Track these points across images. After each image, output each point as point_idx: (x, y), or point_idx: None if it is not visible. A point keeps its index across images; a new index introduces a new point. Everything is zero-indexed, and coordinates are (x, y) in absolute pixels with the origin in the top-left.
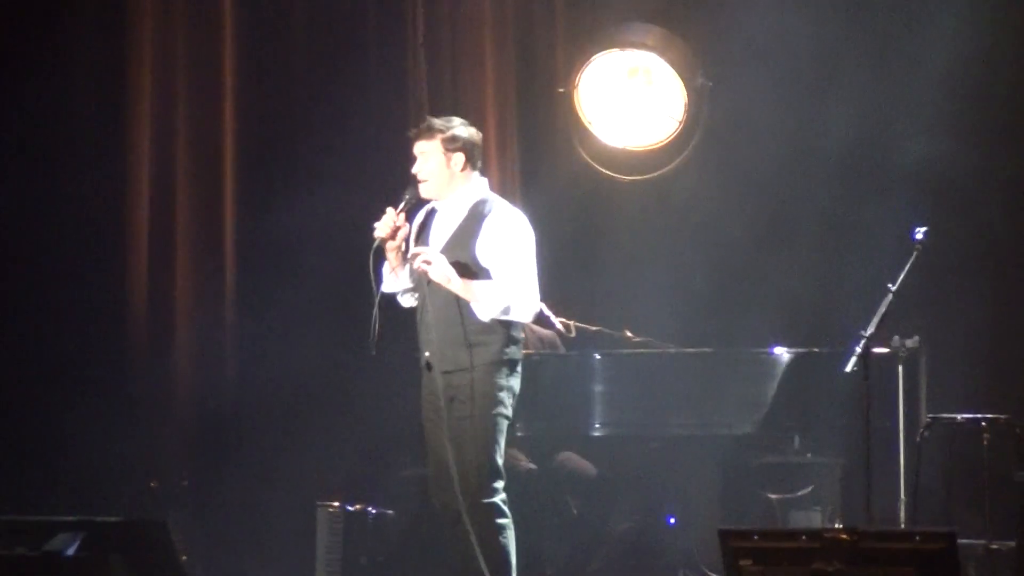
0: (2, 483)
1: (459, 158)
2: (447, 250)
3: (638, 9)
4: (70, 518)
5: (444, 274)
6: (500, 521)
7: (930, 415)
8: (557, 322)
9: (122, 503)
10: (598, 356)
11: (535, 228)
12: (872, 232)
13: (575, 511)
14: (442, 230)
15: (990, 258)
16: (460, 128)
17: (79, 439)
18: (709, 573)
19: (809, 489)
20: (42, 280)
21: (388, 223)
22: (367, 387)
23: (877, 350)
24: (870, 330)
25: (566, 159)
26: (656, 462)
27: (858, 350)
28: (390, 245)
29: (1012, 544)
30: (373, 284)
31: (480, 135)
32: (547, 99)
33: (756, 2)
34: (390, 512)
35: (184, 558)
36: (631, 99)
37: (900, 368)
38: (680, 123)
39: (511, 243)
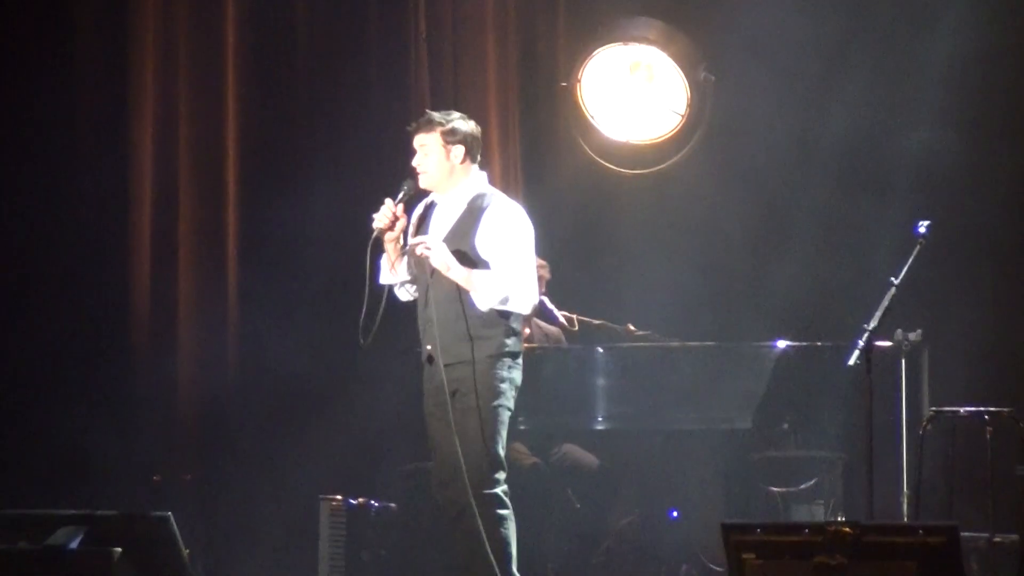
0: (5, 478)
1: (459, 150)
2: (447, 242)
3: (640, 3)
4: (73, 512)
5: (444, 261)
6: (501, 512)
7: (932, 408)
8: (560, 316)
9: (125, 497)
10: (600, 350)
11: (538, 222)
12: (873, 227)
13: (577, 505)
14: (441, 223)
15: (992, 252)
16: (459, 121)
17: (82, 434)
18: (712, 567)
19: (811, 483)
20: (44, 278)
21: (386, 214)
22: (369, 382)
23: (880, 343)
24: (873, 323)
25: (569, 153)
26: (658, 456)
27: (861, 343)
28: (388, 236)
29: (1015, 537)
30: (367, 274)
31: (479, 129)
32: (549, 93)
33: (761, 1)
34: (392, 506)
35: (187, 552)
36: (633, 93)
37: (903, 361)
38: (682, 117)
39: (510, 235)
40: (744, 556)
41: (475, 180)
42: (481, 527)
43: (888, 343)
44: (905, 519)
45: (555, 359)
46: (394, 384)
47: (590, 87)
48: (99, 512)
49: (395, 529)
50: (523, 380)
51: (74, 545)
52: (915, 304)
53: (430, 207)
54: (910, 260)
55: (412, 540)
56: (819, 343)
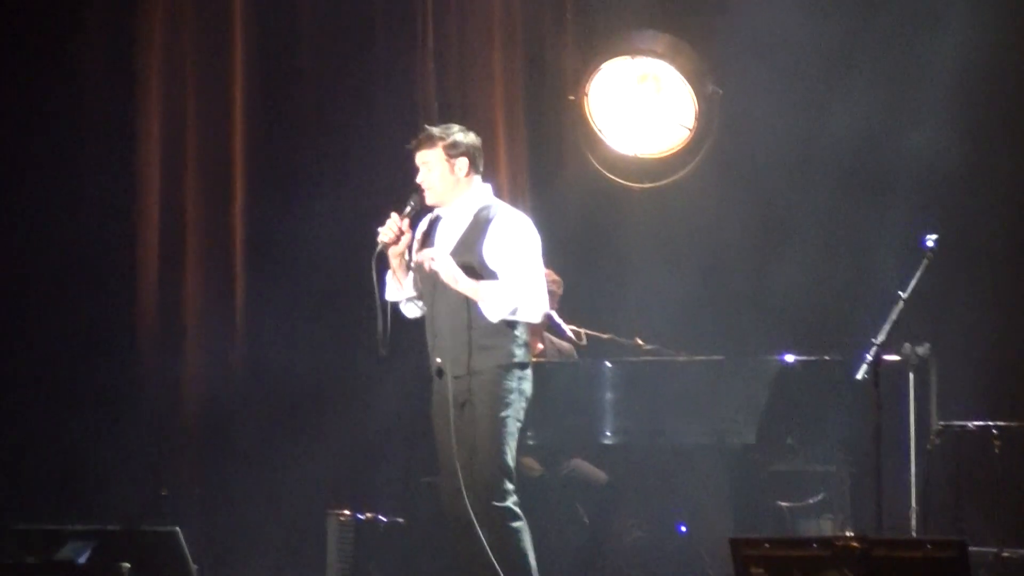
0: (13, 492)
1: (463, 163)
2: (454, 255)
3: (647, 16)
4: (81, 527)
5: (452, 274)
6: (514, 525)
7: (941, 422)
8: (568, 330)
9: (133, 512)
10: (609, 364)
11: (545, 235)
12: (880, 237)
13: (585, 519)
14: (448, 236)
15: (1000, 264)
16: (459, 134)
17: (89, 447)
18: None
19: (820, 497)
20: (51, 286)
21: (392, 228)
22: (377, 395)
23: (888, 357)
24: (881, 337)
25: (576, 167)
26: (666, 470)
27: (869, 357)
28: (393, 251)
29: (1023, 552)
30: (376, 288)
31: (479, 140)
32: (556, 106)
33: (765, 9)
34: (401, 520)
35: (195, 567)
36: (641, 106)
37: (911, 375)
38: (690, 130)
39: (517, 245)
40: (753, 571)
41: (480, 192)
42: (484, 541)
43: (896, 357)
44: (913, 534)
45: (563, 373)
46: (402, 396)
47: (597, 100)
48: (107, 527)
49: (403, 543)
50: (532, 394)
51: (82, 560)
52: (923, 317)
53: (435, 221)
54: (918, 274)
55: (421, 554)
56: (827, 357)
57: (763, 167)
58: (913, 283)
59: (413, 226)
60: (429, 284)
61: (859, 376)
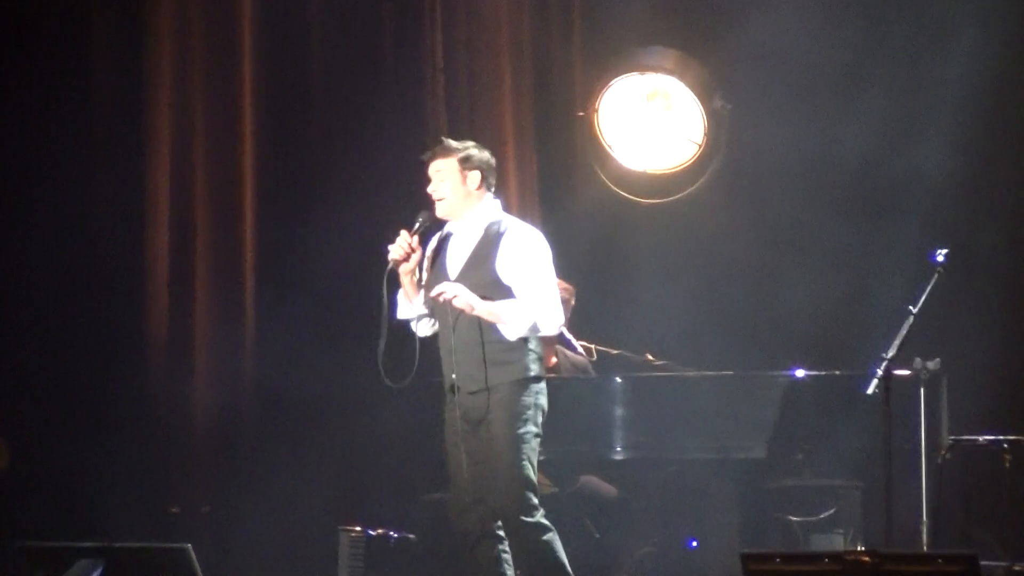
0: (23, 509)
1: (475, 176)
2: (466, 271)
3: (656, 33)
4: (91, 544)
5: (468, 302)
6: (546, 538)
7: (951, 437)
8: (578, 346)
9: (143, 529)
10: (619, 379)
11: (555, 251)
12: (890, 252)
13: (596, 534)
14: (459, 252)
15: (1010, 279)
16: (474, 149)
17: (99, 464)
18: None
19: (830, 512)
20: (60, 303)
21: (402, 245)
22: (389, 410)
23: (898, 372)
24: (891, 352)
25: (586, 183)
26: (677, 485)
27: (879, 372)
28: (404, 268)
29: None
30: (384, 308)
31: (493, 158)
32: (566, 123)
33: (774, 25)
34: (412, 536)
35: None
36: (650, 122)
37: (921, 390)
38: (700, 146)
39: (531, 259)
40: None
41: (490, 207)
42: (522, 557)
43: (907, 372)
44: (924, 548)
45: (573, 389)
46: (413, 413)
47: (607, 116)
48: (117, 544)
49: (414, 559)
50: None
51: None
52: (933, 332)
53: (445, 239)
54: (928, 288)
55: (431, 570)
56: (837, 372)
57: (772, 182)
58: (923, 298)
59: (423, 243)
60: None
61: (870, 391)
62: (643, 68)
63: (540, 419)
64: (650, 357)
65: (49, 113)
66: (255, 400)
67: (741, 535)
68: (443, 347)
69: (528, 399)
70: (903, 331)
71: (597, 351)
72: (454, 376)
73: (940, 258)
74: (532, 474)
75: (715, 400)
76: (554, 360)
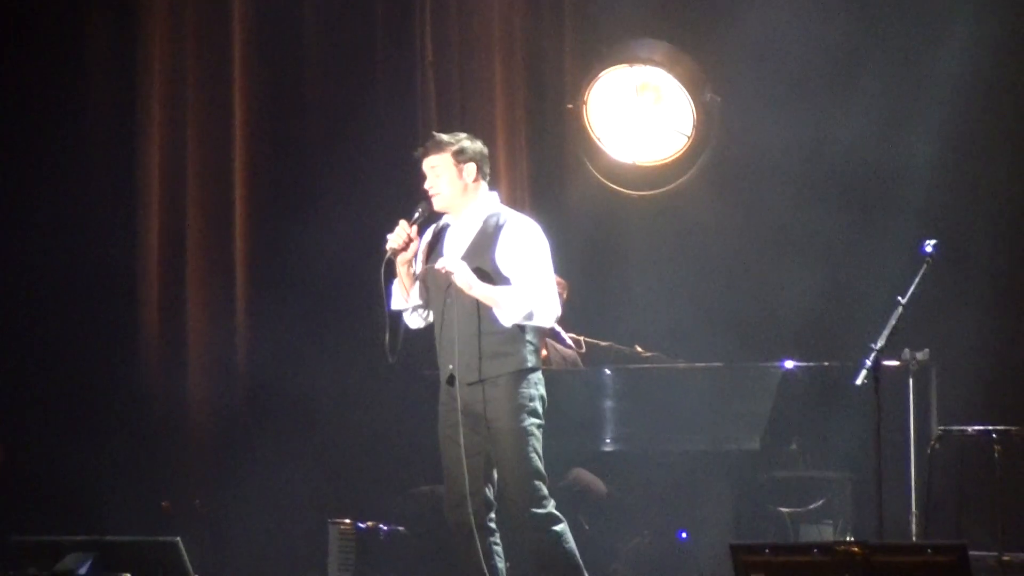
0: (14, 503)
1: (471, 168)
2: (465, 260)
3: (646, 25)
4: (82, 538)
5: (466, 280)
6: (557, 528)
7: (941, 427)
8: (567, 338)
9: (134, 523)
10: (608, 372)
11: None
12: (880, 245)
13: (587, 527)
14: (457, 244)
15: (999, 270)
16: (467, 141)
17: (90, 458)
18: None
19: (820, 503)
20: (53, 300)
21: (401, 235)
22: (379, 404)
23: (888, 363)
24: (880, 343)
25: (576, 175)
26: (667, 477)
27: (868, 363)
28: (401, 259)
29: None
30: (383, 294)
31: (485, 147)
32: (557, 115)
33: (764, 18)
34: (402, 529)
35: None
36: (640, 115)
37: (911, 381)
38: (689, 138)
39: (529, 250)
40: None
41: (487, 199)
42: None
43: (896, 363)
44: (914, 538)
45: (563, 381)
46: (404, 406)
47: (597, 109)
48: (108, 537)
49: (405, 552)
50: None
51: (83, 571)
52: (923, 323)
53: (442, 230)
54: (917, 279)
55: (422, 563)
56: (827, 363)
57: (762, 175)
58: (912, 289)
59: (420, 234)
60: (440, 291)
61: (859, 382)
62: (633, 60)
63: (542, 409)
64: (639, 349)
65: (42, 113)
66: (246, 395)
67: (731, 527)
68: (440, 338)
69: (529, 390)
70: (892, 322)
71: (586, 343)
72: (451, 367)
73: (929, 248)
74: (540, 464)
75: (705, 392)
76: (544, 352)
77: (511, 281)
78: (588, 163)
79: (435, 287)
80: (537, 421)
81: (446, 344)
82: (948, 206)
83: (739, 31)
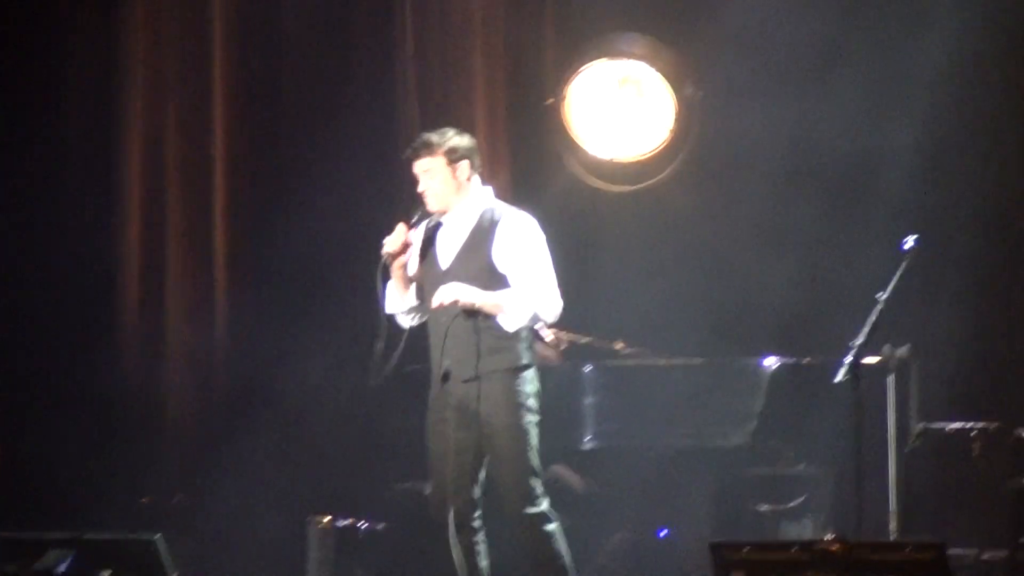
0: None
1: (464, 166)
2: (460, 259)
3: (627, 19)
4: (61, 535)
5: (470, 299)
6: (548, 528)
7: (921, 424)
8: (548, 334)
9: (113, 520)
10: (589, 367)
11: None
12: (861, 240)
13: (567, 524)
14: (452, 241)
15: (980, 267)
16: (456, 138)
17: (70, 455)
18: None
19: (800, 500)
20: (31, 295)
21: (399, 238)
22: (359, 400)
23: (868, 359)
24: (860, 339)
25: (557, 170)
26: (647, 474)
27: (849, 359)
28: (397, 261)
29: (1004, 553)
30: (381, 306)
31: (473, 140)
32: (538, 110)
33: (747, 12)
34: (381, 526)
35: (175, 575)
36: (622, 109)
37: (891, 377)
38: (670, 133)
39: (528, 247)
40: (733, 575)
41: (481, 194)
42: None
43: (876, 359)
44: (894, 535)
45: (543, 378)
46: (385, 402)
47: (578, 104)
48: (87, 535)
49: (385, 549)
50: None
51: (63, 568)
52: (903, 320)
53: (434, 228)
54: (897, 276)
55: (401, 561)
56: (807, 359)
57: (744, 170)
58: (892, 285)
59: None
60: (436, 290)
61: (839, 379)
62: (614, 54)
63: (538, 405)
64: (620, 345)
65: (21, 108)
66: (226, 392)
67: (711, 524)
68: (434, 334)
69: (526, 387)
70: (872, 318)
71: (567, 339)
72: (447, 363)
73: (909, 244)
74: (537, 462)
75: (686, 388)
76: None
77: (509, 279)
78: (568, 159)
79: (430, 287)
80: (535, 418)
81: (441, 341)
82: (931, 200)
83: (721, 25)
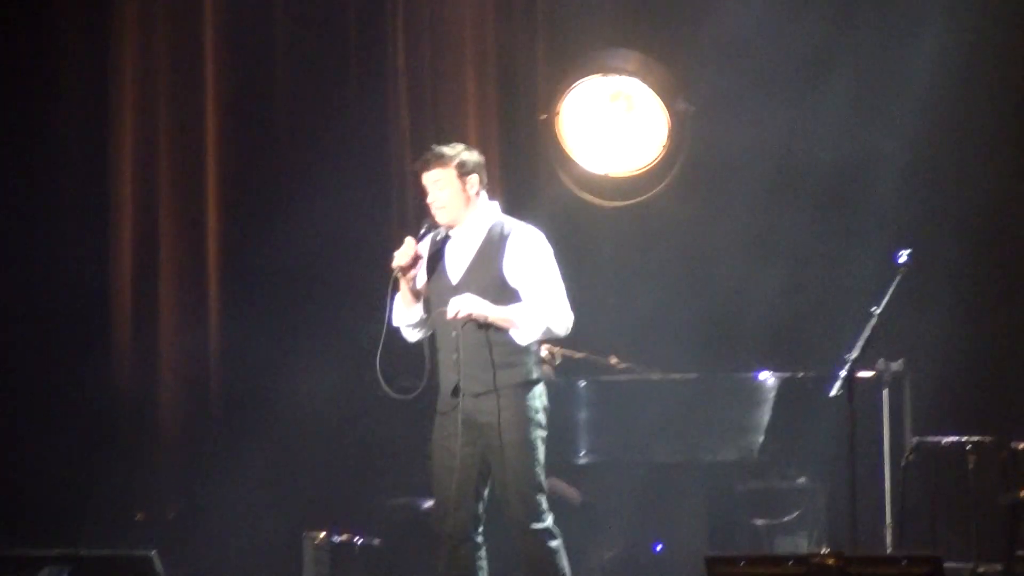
0: None
1: (473, 180)
2: (471, 273)
3: (619, 35)
4: (56, 551)
5: (483, 313)
6: (552, 544)
7: (915, 438)
8: (543, 349)
9: (108, 536)
10: (583, 383)
11: None
12: (854, 254)
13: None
14: (461, 255)
15: (974, 280)
16: (466, 152)
17: (64, 471)
18: None
19: (795, 514)
20: (22, 306)
21: (408, 252)
22: (355, 414)
23: (862, 373)
24: (855, 353)
25: (550, 186)
26: (642, 489)
27: (843, 374)
28: (408, 275)
29: (998, 567)
30: (388, 319)
31: (482, 156)
32: (530, 126)
33: (737, 27)
34: (376, 542)
35: None
36: (613, 125)
37: (885, 391)
38: (663, 148)
39: (539, 261)
40: None
41: (489, 209)
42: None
43: (870, 373)
44: (889, 550)
45: None
46: (381, 416)
47: (570, 120)
48: (83, 551)
49: (380, 565)
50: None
51: None
52: (897, 333)
53: (442, 242)
54: (891, 290)
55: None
56: (801, 374)
57: (736, 184)
58: (886, 299)
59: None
60: (445, 304)
61: (833, 392)
62: (605, 70)
63: (546, 420)
64: (614, 360)
65: (12, 114)
66: (220, 405)
67: (706, 538)
68: (444, 350)
69: (536, 402)
70: (866, 332)
71: (561, 354)
72: (457, 378)
73: (903, 259)
74: (543, 478)
75: (680, 403)
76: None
77: (521, 293)
78: (561, 174)
79: (438, 300)
80: (543, 433)
81: (452, 355)
82: (922, 212)
83: (711, 40)
